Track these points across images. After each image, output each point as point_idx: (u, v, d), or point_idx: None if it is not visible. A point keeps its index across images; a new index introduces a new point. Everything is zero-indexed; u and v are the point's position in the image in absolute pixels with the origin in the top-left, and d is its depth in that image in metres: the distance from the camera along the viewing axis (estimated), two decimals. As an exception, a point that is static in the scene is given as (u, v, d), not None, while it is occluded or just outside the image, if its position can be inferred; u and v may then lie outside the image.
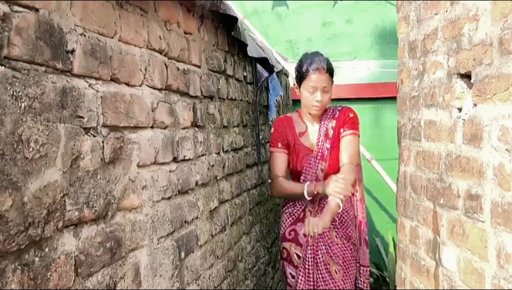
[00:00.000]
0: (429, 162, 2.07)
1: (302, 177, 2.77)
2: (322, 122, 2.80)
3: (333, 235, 2.75)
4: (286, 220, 2.83)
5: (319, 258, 2.72)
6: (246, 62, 3.16)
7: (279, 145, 2.83)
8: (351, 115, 2.80)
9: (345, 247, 2.76)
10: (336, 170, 2.71)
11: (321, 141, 2.77)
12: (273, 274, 3.83)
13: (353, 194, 2.83)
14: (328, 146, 2.75)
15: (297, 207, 2.80)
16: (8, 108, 0.99)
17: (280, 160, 2.82)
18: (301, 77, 2.74)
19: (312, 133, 2.83)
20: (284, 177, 2.81)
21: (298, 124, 2.87)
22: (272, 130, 2.93)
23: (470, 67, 1.65)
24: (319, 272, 2.71)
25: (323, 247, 2.73)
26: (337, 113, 2.81)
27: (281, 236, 2.85)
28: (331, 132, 2.77)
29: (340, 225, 2.76)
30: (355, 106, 3.01)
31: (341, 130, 2.74)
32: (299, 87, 2.78)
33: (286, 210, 2.83)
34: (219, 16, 2.47)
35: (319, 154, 2.76)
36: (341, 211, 2.69)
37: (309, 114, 2.81)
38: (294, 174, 2.83)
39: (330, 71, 2.72)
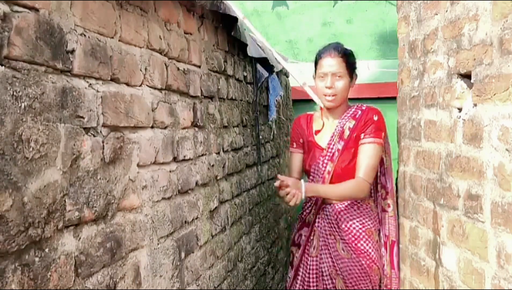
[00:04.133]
0: (429, 162, 2.07)
1: (310, 177, 2.59)
2: (340, 121, 2.53)
3: (340, 248, 2.49)
4: (297, 225, 2.69)
5: (325, 271, 2.49)
6: (246, 62, 3.15)
7: (294, 145, 2.67)
8: (375, 118, 2.46)
9: (354, 262, 2.46)
10: (343, 175, 2.48)
11: (334, 141, 2.51)
12: (273, 275, 3.83)
13: (384, 210, 2.59)
14: (340, 147, 2.48)
15: (306, 211, 2.64)
16: (8, 108, 0.99)
17: (294, 161, 2.67)
18: (315, 66, 2.55)
19: (328, 131, 2.58)
20: (298, 178, 2.61)
21: (316, 121, 2.65)
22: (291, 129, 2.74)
23: (470, 67, 1.65)
24: (324, 286, 2.48)
25: (329, 259, 2.48)
26: (359, 113, 2.51)
27: (291, 240, 2.71)
28: (347, 133, 2.48)
29: (348, 236, 2.48)
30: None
31: (361, 135, 2.45)
32: (315, 79, 2.56)
33: (300, 215, 2.69)
34: (219, 16, 2.47)
35: (329, 154, 2.51)
36: (352, 221, 2.49)
37: (327, 109, 2.57)
38: (306, 173, 2.65)
39: (345, 56, 2.47)
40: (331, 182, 2.50)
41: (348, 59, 2.49)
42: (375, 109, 2.54)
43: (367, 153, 2.44)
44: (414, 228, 2.29)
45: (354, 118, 2.52)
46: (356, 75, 2.57)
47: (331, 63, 2.46)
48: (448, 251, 1.85)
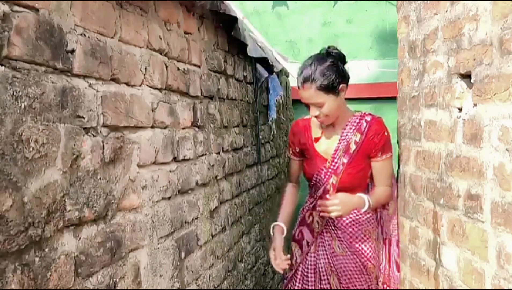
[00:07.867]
0: (429, 162, 2.07)
1: (312, 185, 2.58)
2: (344, 133, 2.45)
3: (336, 246, 2.50)
4: (298, 221, 2.67)
5: (321, 268, 2.51)
6: (246, 62, 3.15)
7: (291, 151, 2.65)
8: (386, 134, 2.45)
9: (348, 259, 2.46)
10: (348, 187, 2.44)
11: (338, 155, 2.45)
12: (272, 275, 3.82)
13: (384, 207, 2.60)
14: (345, 161, 2.43)
15: (305, 209, 2.61)
16: (8, 108, 0.99)
17: (292, 167, 2.70)
18: None
19: (329, 141, 2.50)
20: (295, 183, 2.71)
21: (315, 128, 2.54)
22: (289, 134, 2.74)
23: (470, 67, 1.65)
24: (321, 283, 2.50)
25: (325, 256, 2.51)
26: (364, 125, 2.43)
27: (292, 235, 2.69)
28: (353, 147, 2.42)
29: (344, 235, 2.49)
30: (355, 106, 2.64)
31: (379, 154, 2.44)
32: None
33: (301, 211, 2.67)
34: (219, 16, 2.47)
35: (332, 167, 2.46)
36: (350, 222, 2.50)
37: None
38: (308, 181, 2.61)
39: (318, 82, 2.30)
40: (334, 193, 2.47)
41: (324, 81, 2.32)
42: (380, 123, 2.46)
43: (385, 167, 2.52)
44: (414, 228, 2.29)
45: (359, 131, 2.44)
46: (346, 80, 2.43)
47: (306, 96, 2.35)
48: (448, 251, 1.85)
